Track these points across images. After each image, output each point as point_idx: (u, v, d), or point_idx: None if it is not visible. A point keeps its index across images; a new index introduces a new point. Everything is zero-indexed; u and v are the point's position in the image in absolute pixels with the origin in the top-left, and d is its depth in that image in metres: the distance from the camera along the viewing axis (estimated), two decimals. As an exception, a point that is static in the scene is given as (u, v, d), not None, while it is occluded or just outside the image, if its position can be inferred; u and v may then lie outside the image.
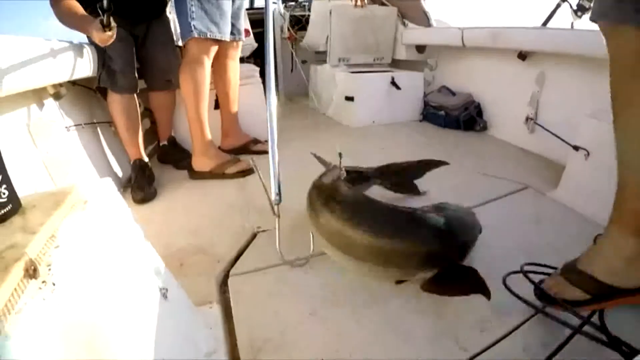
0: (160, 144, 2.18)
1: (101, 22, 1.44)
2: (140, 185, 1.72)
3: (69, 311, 0.43)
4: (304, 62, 3.59)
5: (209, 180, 1.88)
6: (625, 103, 0.83)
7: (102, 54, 1.72)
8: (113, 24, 1.47)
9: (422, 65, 3.18)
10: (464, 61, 2.78)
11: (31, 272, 0.41)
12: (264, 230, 1.37)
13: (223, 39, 1.83)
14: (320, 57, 3.33)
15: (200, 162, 1.89)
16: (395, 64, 3.28)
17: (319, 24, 3.10)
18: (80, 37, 1.67)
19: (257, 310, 0.98)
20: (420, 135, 2.59)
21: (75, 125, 1.59)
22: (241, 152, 2.20)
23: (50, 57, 1.35)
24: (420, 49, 3.10)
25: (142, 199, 1.67)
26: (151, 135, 2.26)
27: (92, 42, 1.66)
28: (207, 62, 1.83)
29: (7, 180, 0.52)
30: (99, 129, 1.85)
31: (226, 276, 1.11)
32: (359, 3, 2.96)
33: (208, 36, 1.77)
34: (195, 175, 1.91)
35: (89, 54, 1.64)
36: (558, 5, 2.18)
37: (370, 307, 0.98)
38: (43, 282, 0.41)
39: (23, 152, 1.25)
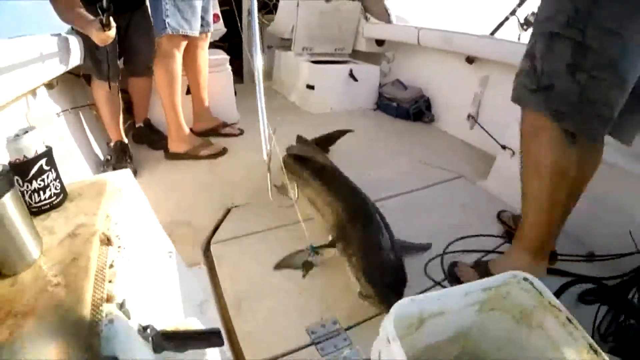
0: (137, 125, 2.32)
1: (101, 21, 1.48)
2: (123, 164, 1.90)
3: (134, 264, 0.66)
4: (269, 47, 3.74)
5: (184, 161, 2.09)
6: (526, 160, 1.16)
7: (87, 43, 1.77)
8: (113, 23, 1.52)
9: (381, 57, 3.43)
10: (418, 58, 3.05)
11: (106, 241, 0.64)
12: (236, 206, 1.61)
13: (193, 35, 1.98)
14: (286, 43, 3.48)
15: (176, 145, 2.09)
16: (355, 54, 3.50)
17: (287, 13, 3.25)
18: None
19: (236, 269, 1.26)
20: (374, 123, 2.88)
21: (63, 111, 1.74)
22: (211, 134, 2.40)
23: (43, 53, 1.45)
24: (380, 42, 3.34)
25: (123, 177, 1.86)
26: (125, 114, 2.40)
27: (77, 32, 1.73)
28: (179, 55, 1.99)
29: (59, 175, 0.73)
30: (80, 113, 1.99)
31: (208, 243, 1.36)
32: None
33: (180, 32, 1.92)
34: (170, 156, 2.11)
35: (76, 44, 1.74)
36: (506, 18, 2.41)
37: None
38: (118, 247, 0.64)
39: None
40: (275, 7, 3.55)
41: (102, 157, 2.02)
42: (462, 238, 1.45)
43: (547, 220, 1.15)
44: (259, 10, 3.80)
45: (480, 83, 2.44)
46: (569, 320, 0.55)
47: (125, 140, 2.04)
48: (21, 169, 0.64)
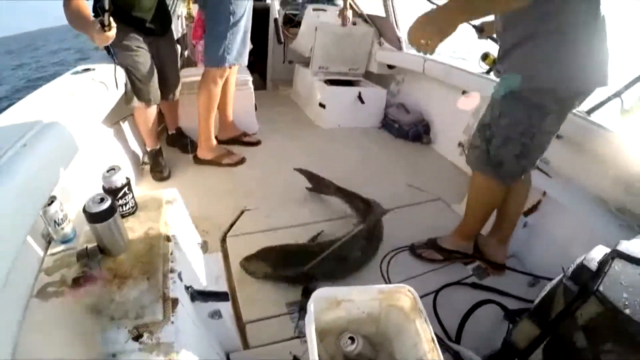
0: (169, 132, 2.74)
1: (101, 22, 1.49)
2: (159, 168, 2.35)
3: (182, 251, 1.05)
4: (290, 62, 4.14)
5: (209, 166, 2.52)
6: (472, 192, 1.71)
7: (130, 73, 1.98)
8: (113, 24, 1.52)
9: (391, 79, 3.79)
10: (422, 85, 3.38)
11: (167, 239, 1.04)
12: (249, 209, 2.01)
13: (243, 64, 2.37)
14: (305, 59, 3.83)
15: (204, 153, 2.52)
16: (368, 75, 3.86)
17: (307, 35, 3.62)
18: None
19: (242, 258, 1.66)
20: (376, 141, 3.26)
21: (114, 124, 2.18)
22: (233, 142, 2.83)
23: (106, 87, 1.70)
24: (391, 66, 3.68)
25: (160, 179, 2.32)
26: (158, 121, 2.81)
27: (115, 62, 1.84)
28: (221, 82, 2.35)
29: (133, 195, 1.13)
30: (121, 123, 2.39)
31: (225, 236, 1.77)
32: (345, 23, 3.40)
33: (234, 64, 2.30)
34: (198, 161, 2.54)
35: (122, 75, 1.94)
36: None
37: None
38: (175, 243, 1.04)
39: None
40: (299, 23, 3.86)
41: (140, 158, 2.46)
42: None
43: (478, 225, 1.74)
44: (285, 24, 4.22)
45: (472, 114, 2.78)
46: (425, 320, 0.93)
47: (158, 147, 2.40)
48: (114, 193, 1.05)
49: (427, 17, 1.16)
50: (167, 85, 2.33)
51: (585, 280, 0.77)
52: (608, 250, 0.83)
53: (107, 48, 1.95)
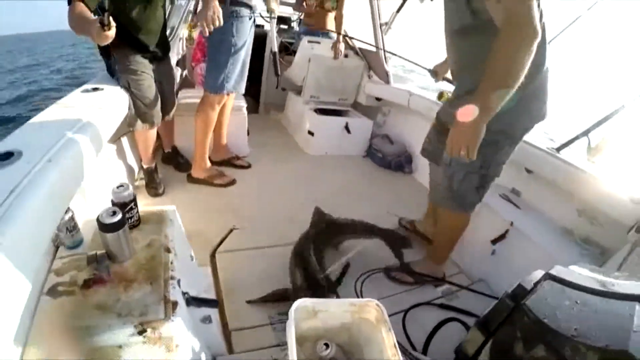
0: (165, 150, 2.88)
1: (101, 21, 1.50)
2: (154, 185, 2.48)
3: (179, 262, 1.18)
4: (283, 89, 4.32)
5: (201, 185, 2.66)
6: (440, 222, 1.95)
7: (131, 93, 2.07)
8: (112, 23, 1.53)
9: (378, 110, 3.98)
10: (407, 118, 3.56)
11: (167, 250, 1.18)
12: (237, 228, 2.13)
13: (240, 92, 2.56)
14: (298, 88, 4.01)
15: (198, 172, 2.66)
16: (356, 105, 4.06)
17: (300, 65, 3.80)
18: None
19: (230, 272, 1.81)
20: (360, 169, 3.45)
21: (115, 141, 2.32)
22: (225, 164, 2.98)
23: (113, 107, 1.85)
24: (378, 98, 3.88)
25: (155, 195, 2.45)
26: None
27: (120, 84, 2.02)
28: (219, 107, 2.50)
29: (138, 209, 1.27)
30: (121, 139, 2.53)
31: (215, 251, 1.89)
32: (337, 56, 3.63)
33: (231, 92, 2.48)
34: (192, 180, 2.68)
35: (126, 98, 2.06)
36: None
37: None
38: (174, 254, 1.17)
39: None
40: (294, 52, 4.00)
41: (136, 173, 2.59)
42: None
43: (446, 252, 1.96)
44: (280, 52, 4.43)
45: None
46: (389, 330, 1.07)
47: (154, 164, 2.52)
48: (122, 207, 1.18)
49: (460, 132, 1.35)
50: (164, 106, 2.41)
51: (520, 297, 0.92)
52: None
53: (110, 71, 2.12)
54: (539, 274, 1.02)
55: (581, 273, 0.99)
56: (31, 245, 0.86)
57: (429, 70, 2.18)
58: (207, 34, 2.00)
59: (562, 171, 1.96)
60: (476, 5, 1.31)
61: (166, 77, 2.42)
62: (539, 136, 2.14)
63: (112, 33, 1.55)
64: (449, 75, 2.04)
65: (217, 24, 1.97)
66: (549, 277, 0.96)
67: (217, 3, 1.98)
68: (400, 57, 3.06)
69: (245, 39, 2.34)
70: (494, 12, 1.24)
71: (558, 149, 2.08)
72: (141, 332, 0.89)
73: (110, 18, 1.50)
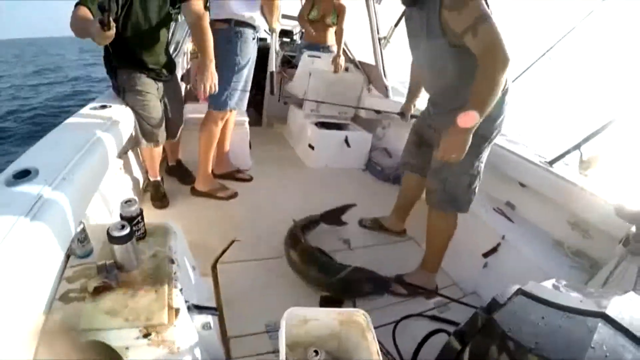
0: (169, 164, 2.98)
1: (101, 22, 1.49)
2: (159, 197, 2.58)
3: (182, 272, 1.27)
4: (285, 103, 4.43)
5: (204, 198, 2.76)
6: (430, 227, 2.07)
7: (136, 113, 2.14)
8: (112, 23, 1.52)
9: (377, 123, 4.08)
10: (405, 131, 3.62)
11: (171, 261, 1.26)
12: (238, 240, 2.22)
13: (242, 109, 2.68)
14: (299, 101, 4.09)
15: (201, 185, 2.76)
16: (356, 119, 4.16)
17: (301, 79, 3.93)
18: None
19: (230, 283, 1.89)
20: (359, 182, 3.54)
21: (123, 155, 2.43)
22: (227, 177, 3.08)
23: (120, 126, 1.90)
24: (378, 111, 3.94)
25: (160, 207, 2.55)
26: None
27: (126, 103, 2.11)
28: (222, 123, 2.62)
29: (144, 222, 1.36)
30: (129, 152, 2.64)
31: (216, 262, 1.98)
32: (337, 70, 3.73)
33: (234, 109, 2.60)
34: (195, 192, 2.77)
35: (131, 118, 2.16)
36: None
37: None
38: (177, 265, 1.26)
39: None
40: (296, 65, 4.14)
41: (141, 184, 2.69)
42: None
43: (438, 259, 2.09)
44: (283, 65, 4.55)
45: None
46: (374, 338, 1.15)
47: (160, 178, 2.63)
48: (130, 220, 1.27)
49: (450, 142, 1.57)
50: (171, 125, 2.51)
51: (493, 309, 1.01)
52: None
53: (117, 89, 2.21)
54: (513, 288, 1.10)
55: (554, 289, 1.08)
56: (49, 257, 0.96)
57: (398, 114, 2.51)
58: (203, 97, 2.19)
59: (554, 184, 2.02)
60: (454, 41, 1.54)
61: (173, 96, 2.49)
62: (531, 149, 2.24)
63: (111, 33, 1.55)
64: (414, 112, 2.53)
65: (213, 90, 2.17)
66: (520, 292, 1.04)
67: (213, 69, 2.16)
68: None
69: (248, 57, 2.46)
70: (472, 46, 1.46)
71: (551, 163, 2.15)
72: (146, 335, 0.98)
73: (111, 18, 1.50)
